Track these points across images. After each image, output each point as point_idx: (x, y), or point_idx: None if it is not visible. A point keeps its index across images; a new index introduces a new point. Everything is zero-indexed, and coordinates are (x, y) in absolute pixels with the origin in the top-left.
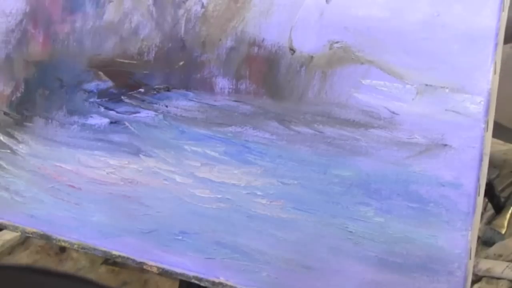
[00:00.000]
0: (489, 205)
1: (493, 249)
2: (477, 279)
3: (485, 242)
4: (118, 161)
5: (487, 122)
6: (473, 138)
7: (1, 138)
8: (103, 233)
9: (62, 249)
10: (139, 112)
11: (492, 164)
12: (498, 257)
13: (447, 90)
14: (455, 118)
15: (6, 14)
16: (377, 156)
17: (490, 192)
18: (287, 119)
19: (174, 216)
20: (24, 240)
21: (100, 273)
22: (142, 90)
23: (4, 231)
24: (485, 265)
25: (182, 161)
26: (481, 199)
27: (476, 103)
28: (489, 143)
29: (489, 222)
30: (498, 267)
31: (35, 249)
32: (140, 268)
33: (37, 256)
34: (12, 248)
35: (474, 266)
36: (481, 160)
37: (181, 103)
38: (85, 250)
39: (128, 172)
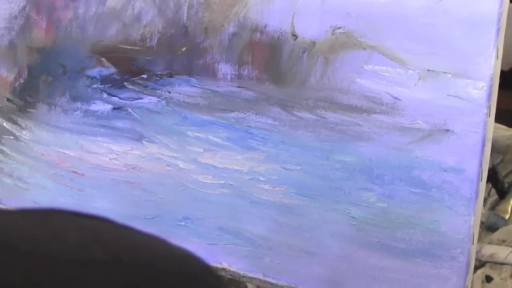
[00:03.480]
0: (493, 190)
1: (496, 235)
2: (480, 264)
3: (488, 227)
4: (121, 147)
5: (489, 107)
6: (475, 123)
7: (4, 125)
8: None
9: None
10: (141, 98)
11: (496, 149)
12: (502, 242)
13: (449, 75)
14: (457, 103)
15: (9, 0)
16: (380, 142)
17: (494, 178)
18: (289, 104)
19: (177, 202)
20: None
21: None
22: (144, 76)
23: None
24: (489, 250)
25: (185, 147)
26: (483, 184)
27: (478, 88)
28: (492, 128)
29: (493, 207)
30: (502, 253)
31: None
32: None
33: None
34: None
35: (478, 252)
36: (483, 145)
37: (184, 89)
38: None
39: (131, 158)
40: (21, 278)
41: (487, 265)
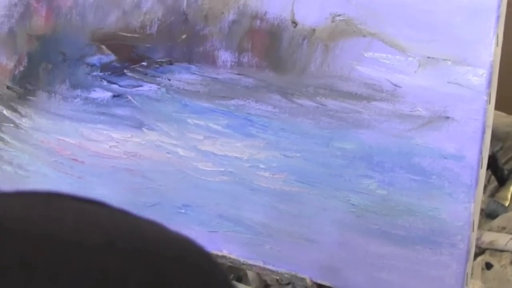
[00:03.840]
0: (493, 177)
1: (496, 222)
2: (480, 251)
3: (488, 214)
4: (121, 135)
5: (489, 95)
6: (475, 111)
7: (4, 112)
8: None
9: None
10: (141, 86)
11: (496, 137)
12: (502, 229)
13: (449, 63)
14: (457, 90)
15: None
16: (380, 129)
17: (494, 165)
18: (289, 92)
19: (177, 189)
20: None
21: None
22: (144, 63)
23: None
24: (489, 237)
25: (185, 134)
26: (483, 171)
27: (478, 76)
28: (492, 115)
29: (493, 194)
30: (502, 240)
31: None
32: None
33: None
34: None
35: (477, 239)
36: (483, 132)
37: (184, 77)
38: None
39: (131, 146)
40: (17, 260)
41: (487, 252)
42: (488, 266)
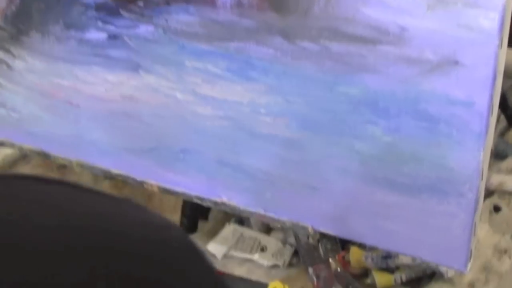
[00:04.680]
0: (502, 116)
1: (505, 163)
2: (488, 193)
3: (497, 154)
4: (117, 77)
5: (501, 39)
6: (486, 55)
7: None
8: (102, 151)
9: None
10: (138, 27)
11: (506, 74)
12: (511, 171)
13: (459, 5)
14: (467, 34)
15: None
16: (386, 74)
17: (503, 104)
18: (292, 34)
19: (175, 134)
20: (26, 154)
21: (104, 188)
22: (141, 3)
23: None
24: (497, 179)
25: (183, 77)
26: (494, 118)
27: (489, 19)
28: (503, 60)
29: (502, 134)
30: (511, 181)
31: (36, 163)
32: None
33: (39, 170)
34: (14, 162)
35: (486, 181)
36: (494, 78)
37: (182, 17)
38: (85, 168)
39: (127, 89)
40: None
41: (496, 194)
42: (496, 209)
